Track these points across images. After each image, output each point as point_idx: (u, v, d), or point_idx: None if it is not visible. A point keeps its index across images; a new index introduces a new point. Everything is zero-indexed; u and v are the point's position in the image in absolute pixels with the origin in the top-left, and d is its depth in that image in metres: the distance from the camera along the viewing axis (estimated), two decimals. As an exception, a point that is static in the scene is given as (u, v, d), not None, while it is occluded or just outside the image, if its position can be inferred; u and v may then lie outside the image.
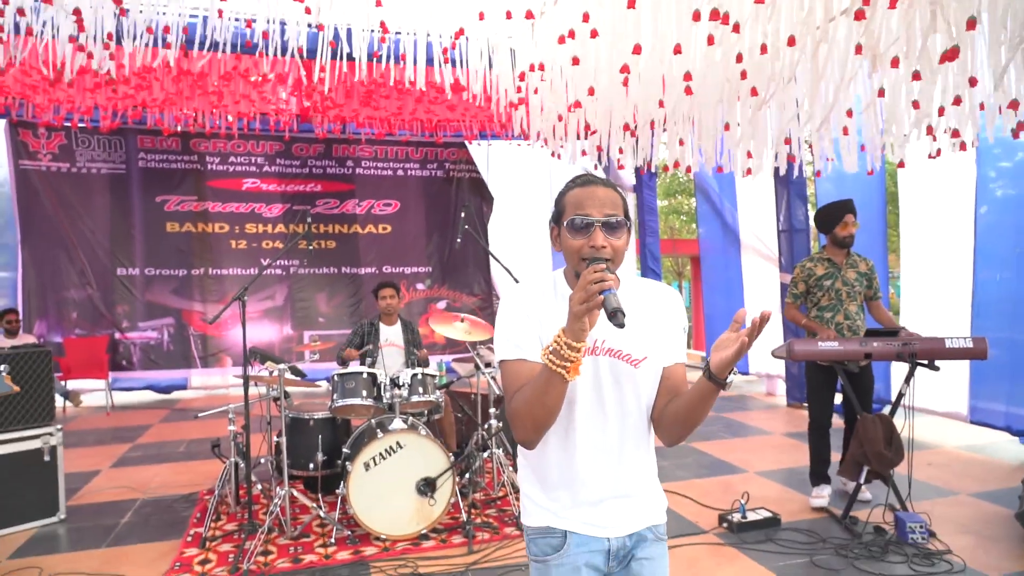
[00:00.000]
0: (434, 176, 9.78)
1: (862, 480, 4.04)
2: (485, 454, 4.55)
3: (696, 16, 3.63)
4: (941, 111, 4.44)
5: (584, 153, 6.50)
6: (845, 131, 4.75)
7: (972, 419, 5.79)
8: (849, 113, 4.58)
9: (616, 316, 1.30)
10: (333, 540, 3.81)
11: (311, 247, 5.83)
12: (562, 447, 1.57)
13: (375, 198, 9.53)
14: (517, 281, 4.54)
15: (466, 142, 9.40)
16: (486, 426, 4.54)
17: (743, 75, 3.95)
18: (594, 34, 4.00)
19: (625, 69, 4.19)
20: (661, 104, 4.75)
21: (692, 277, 17.69)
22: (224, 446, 4.23)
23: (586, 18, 3.94)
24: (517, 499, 4.36)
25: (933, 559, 3.50)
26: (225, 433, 4.18)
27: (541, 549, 1.61)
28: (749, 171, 5.30)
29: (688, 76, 4.08)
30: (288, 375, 4.05)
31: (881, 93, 4.13)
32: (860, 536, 3.79)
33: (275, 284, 9.12)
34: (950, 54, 3.36)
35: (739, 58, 3.82)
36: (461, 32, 4.64)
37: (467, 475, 4.31)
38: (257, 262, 8.88)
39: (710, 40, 3.74)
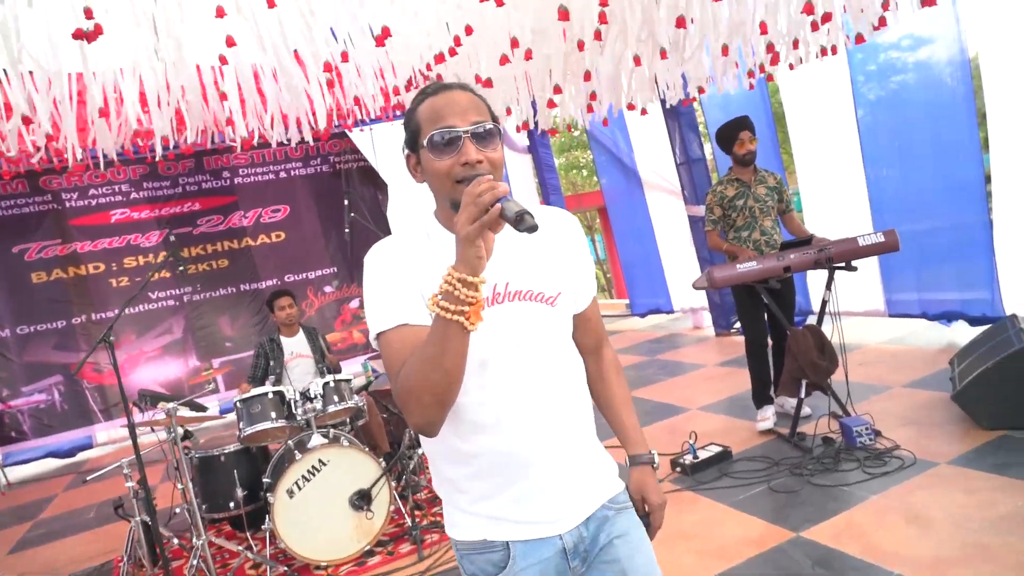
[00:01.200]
0: (320, 172, 9.23)
1: (803, 395, 3.98)
2: (420, 450, 4.25)
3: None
4: (815, 25, 4.42)
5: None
6: (725, 51, 4.63)
7: (890, 312, 5.92)
8: (725, 51, 4.46)
9: (524, 220, 1.05)
10: (269, 580, 3.45)
11: (182, 269, 5.25)
12: (479, 426, 1.25)
13: (261, 206, 8.91)
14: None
15: (346, 131, 8.89)
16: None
17: (602, 17, 3.72)
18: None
19: (469, 30, 3.90)
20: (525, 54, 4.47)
21: (602, 229, 17.75)
22: (128, 505, 3.76)
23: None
24: (463, 490, 4.09)
25: (884, 458, 3.47)
26: (126, 491, 3.72)
27: (480, 568, 1.31)
28: (632, 106, 5.14)
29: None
30: (185, 411, 3.62)
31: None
32: (811, 451, 3.73)
33: (169, 316, 8.41)
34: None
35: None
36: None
37: (403, 477, 4.01)
38: (145, 296, 8.16)
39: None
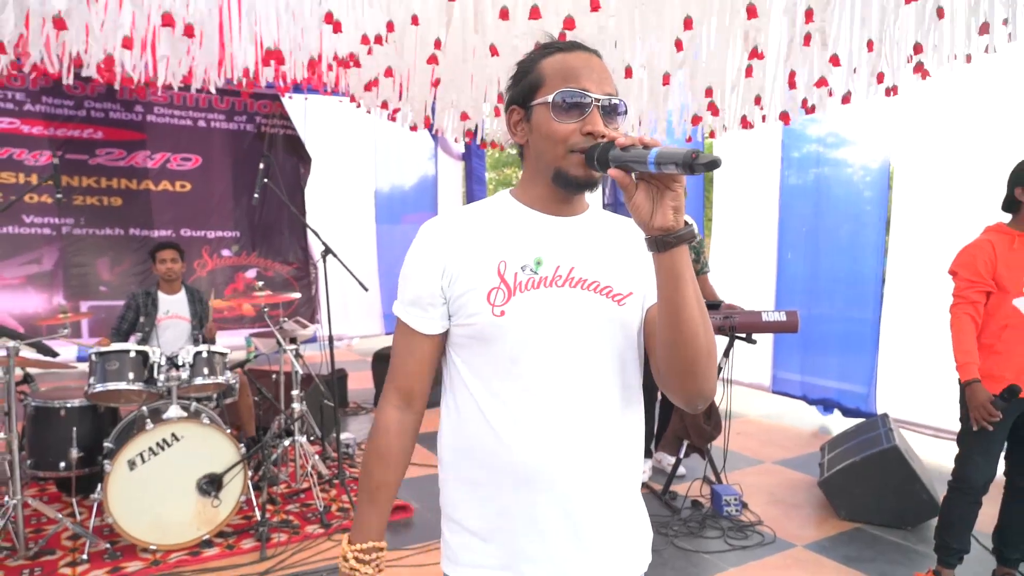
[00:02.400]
0: (243, 130, 8.73)
1: (681, 455, 4.01)
2: (287, 441, 4.00)
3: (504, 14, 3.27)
4: (758, 100, 4.58)
5: (393, 118, 6.03)
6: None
7: (774, 389, 6.14)
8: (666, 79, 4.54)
9: (697, 158, 0.89)
10: (86, 556, 3.09)
11: (59, 196, 4.72)
12: (499, 435, 1.09)
13: (171, 151, 8.31)
14: (331, 252, 3.98)
15: (279, 95, 8.47)
16: (288, 410, 3.98)
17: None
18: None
19: (437, 45, 3.79)
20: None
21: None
22: (-63, 445, 3.31)
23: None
24: (322, 491, 3.86)
25: (746, 531, 3.52)
26: (-61, 429, 3.27)
27: None
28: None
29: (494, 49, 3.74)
30: (27, 353, 3.23)
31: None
32: (679, 512, 3.75)
33: (42, 245, 7.67)
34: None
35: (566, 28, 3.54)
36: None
37: (263, 467, 3.74)
38: (17, 218, 7.41)
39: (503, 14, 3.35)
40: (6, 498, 3.10)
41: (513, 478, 1.10)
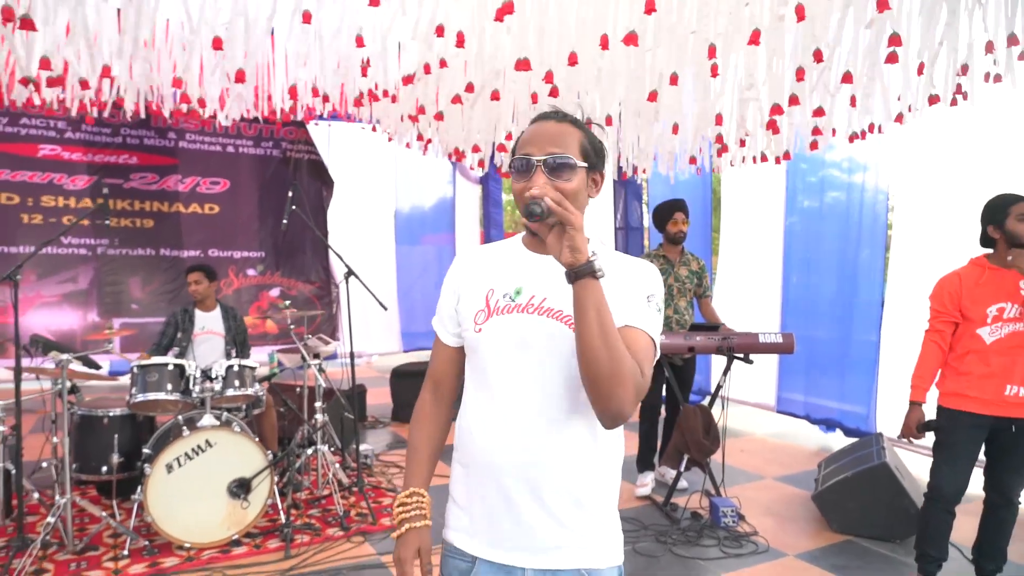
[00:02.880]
0: (269, 155, 9.14)
1: (682, 468, 4.22)
2: (310, 451, 4.26)
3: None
4: (771, 124, 4.82)
5: (425, 151, 6.36)
6: (675, 129, 4.97)
7: (779, 409, 6.31)
8: (675, 129, 4.81)
9: (532, 207, 1.20)
10: (126, 552, 3.36)
11: (107, 223, 5.08)
12: (472, 429, 1.39)
13: (201, 175, 8.72)
14: (353, 274, 4.27)
15: (304, 122, 8.87)
16: (312, 421, 4.25)
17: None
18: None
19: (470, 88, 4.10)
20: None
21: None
22: (-8, 449, 3.62)
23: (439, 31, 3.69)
24: (343, 498, 4.12)
25: (741, 541, 3.71)
26: (-6, 435, 3.57)
27: (448, 573, 1.43)
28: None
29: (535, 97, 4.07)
30: (75, 366, 3.53)
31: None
32: (679, 522, 3.95)
33: (78, 265, 8.07)
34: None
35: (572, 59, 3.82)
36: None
37: (287, 474, 4.00)
38: (57, 240, 7.82)
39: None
40: (56, 497, 3.38)
41: (480, 465, 1.38)
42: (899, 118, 4.37)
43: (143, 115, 4.99)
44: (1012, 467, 2.95)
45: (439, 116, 4.65)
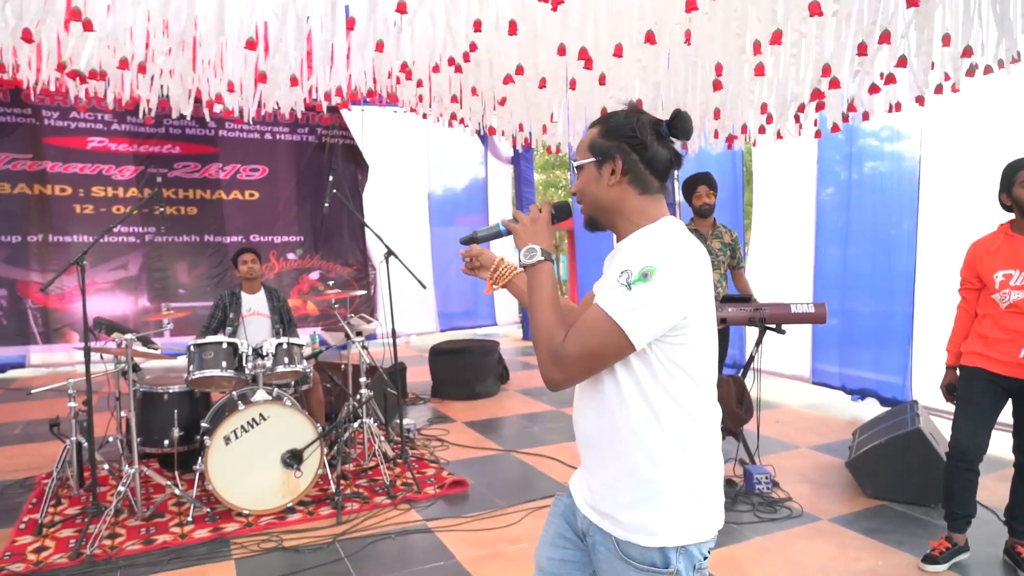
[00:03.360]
0: (306, 141, 9.36)
1: (716, 437, 4.30)
2: (356, 424, 4.45)
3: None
4: (801, 108, 4.83)
5: (462, 121, 6.47)
6: (717, 114, 5.00)
7: (814, 380, 6.34)
8: (717, 114, 4.83)
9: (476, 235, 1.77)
10: (190, 519, 3.60)
11: (162, 210, 5.34)
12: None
13: (241, 162, 8.98)
14: (393, 254, 4.44)
15: (339, 108, 9.03)
16: (357, 396, 4.44)
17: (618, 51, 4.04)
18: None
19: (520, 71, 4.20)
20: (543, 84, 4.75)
21: (568, 251, 18.08)
22: (64, 425, 3.87)
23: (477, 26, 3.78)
24: (388, 469, 4.31)
25: (776, 506, 3.80)
26: (66, 412, 3.83)
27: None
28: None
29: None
30: (137, 346, 3.75)
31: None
32: (713, 489, 4.04)
33: (128, 252, 8.41)
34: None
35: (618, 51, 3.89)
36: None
37: (336, 446, 4.20)
38: (110, 229, 8.12)
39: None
40: (125, 467, 3.62)
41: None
42: (938, 89, 4.34)
43: (189, 117, 5.18)
44: None
45: (503, 101, 4.74)
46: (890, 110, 4.63)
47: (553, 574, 1.58)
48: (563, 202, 1.59)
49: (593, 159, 1.48)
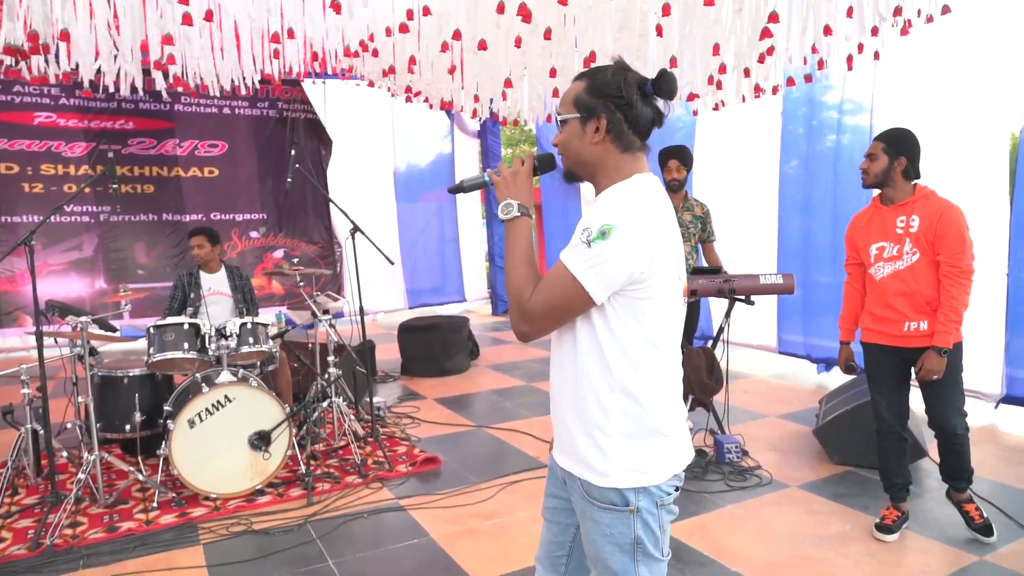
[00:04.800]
0: (266, 116, 9.09)
1: (687, 409, 4.33)
2: (325, 404, 4.38)
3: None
4: (761, 58, 4.80)
5: (418, 94, 6.34)
6: (673, 62, 4.94)
7: (780, 350, 6.43)
8: (673, 62, 4.78)
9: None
10: (156, 504, 3.50)
11: (116, 187, 5.13)
12: None
13: (198, 138, 8.69)
14: (359, 230, 4.34)
15: (299, 81, 8.78)
16: (325, 375, 4.36)
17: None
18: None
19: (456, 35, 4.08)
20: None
21: (536, 226, 18.05)
22: (18, 412, 3.74)
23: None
24: (359, 448, 4.25)
25: (745, 475, 3.85)
26: (19, 399, 3.68)
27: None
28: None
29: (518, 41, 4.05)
30: (93, 329, 3.62)
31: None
32: (684, 459, 4.08)
33: (82, 233, 8.11)
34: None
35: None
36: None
37: (304, 426, 4.13)
38: (61, 208, 7.82)
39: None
40: (85, 455, 3.51)
41: None
42: (874, 31, 4.35)
43: (141, 92, 4.97)
44: (936, 395, 2.99)
45: (451, 70, 4.62)
46: (821, 67, 4.67)
47: (551, 521, 1.68)
48: (547, 154, 1.58)
49: (578, 115, 1.48)
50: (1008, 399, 4.65)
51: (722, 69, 4.92)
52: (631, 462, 1.45)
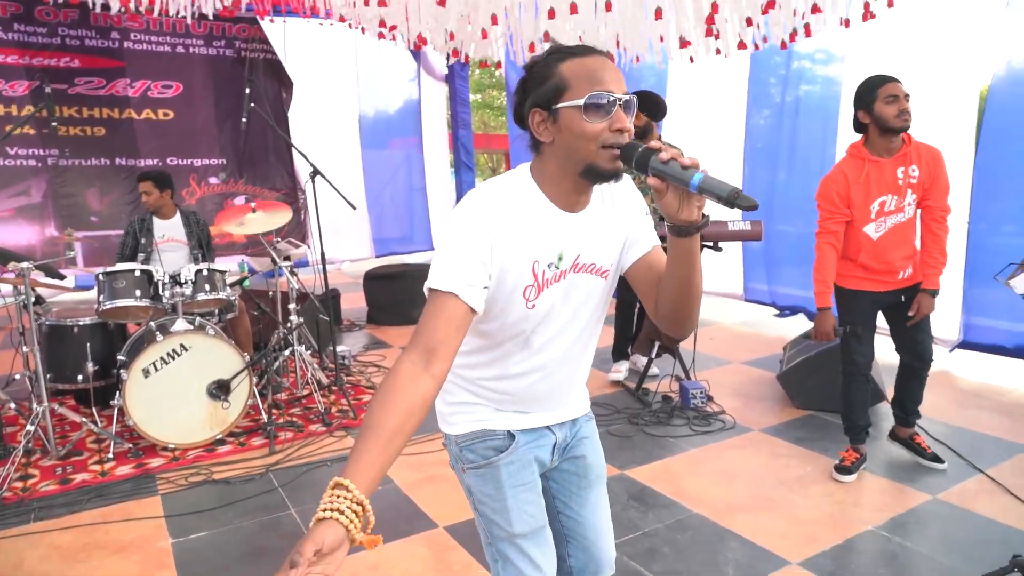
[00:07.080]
0: (223, 55, 8.66)
1: (653, 355, 4.35)
2: (287, 352, 4.29)
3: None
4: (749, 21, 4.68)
5: (394, 38, 6.08)
6: (658, 14, 4.81)
7: (746, 298, 6.48)
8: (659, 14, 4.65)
9: (739, 198, 1.05)
10: (111, 455, 3.42)
11: (56, 126, 4.84)
12: (524, 372, 1.43)
13: (151, 78, 8.26)
14: (319, 173, 4.18)
15: (258, 18, 8.38)
16: (287, 324, 4.25)
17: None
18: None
19: None
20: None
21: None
22: (-38, 363, 3.58)
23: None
24: (323, 396, 4.19)
25: (709, 419, 3.89)
26: (-38, 348, 3.53)
27: (481, 455, 1.46)
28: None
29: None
30: (38, 276, 3.45)
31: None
32: (650, 405, 4.11)
33: (30, 177, 7.73)
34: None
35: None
36: None
37: (265, 375, 4.04)
38: (2, 150, 7.45)
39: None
40: (34, 405, 3.39)
41: (529, 398, 1.51)
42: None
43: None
44: (921, 329, 3.05)
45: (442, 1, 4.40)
46: (809, 33, 4.59)
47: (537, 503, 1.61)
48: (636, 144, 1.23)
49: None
50: (964, 344, 4.75)
51: (710, 19, 4.77)
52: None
